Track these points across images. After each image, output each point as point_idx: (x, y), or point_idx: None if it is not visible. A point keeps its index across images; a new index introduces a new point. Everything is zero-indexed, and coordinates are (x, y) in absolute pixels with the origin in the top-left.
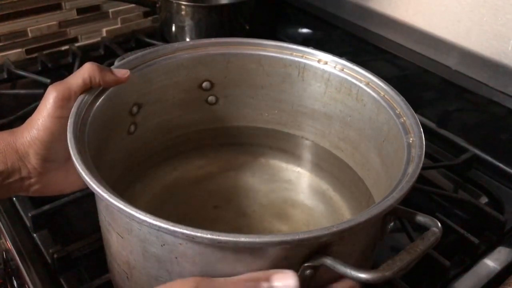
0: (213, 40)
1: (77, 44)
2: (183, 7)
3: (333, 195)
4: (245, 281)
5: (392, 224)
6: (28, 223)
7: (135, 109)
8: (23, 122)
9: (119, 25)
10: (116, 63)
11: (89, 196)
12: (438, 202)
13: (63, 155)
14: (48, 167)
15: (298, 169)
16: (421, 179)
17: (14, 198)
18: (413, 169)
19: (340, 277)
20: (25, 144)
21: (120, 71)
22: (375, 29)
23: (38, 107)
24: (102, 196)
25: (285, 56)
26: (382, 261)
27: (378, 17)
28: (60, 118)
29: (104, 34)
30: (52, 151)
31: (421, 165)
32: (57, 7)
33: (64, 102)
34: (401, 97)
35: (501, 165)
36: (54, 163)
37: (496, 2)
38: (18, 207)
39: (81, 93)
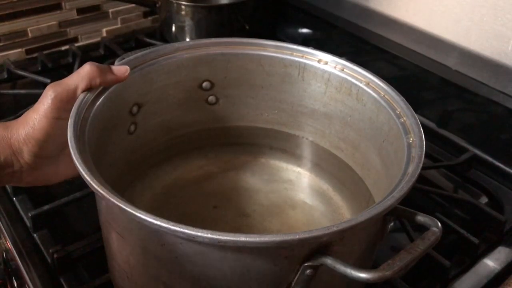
0: (213, 40)
1: (77, 44)
2: (183, 7)
3: (333, 195)
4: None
5: (392, 224)
6: (28, 223)
7: (135, 109)
8: None
9: (119, 25)
10: (116, 63)
11: (89, 196)
12: (438, 202)
13: (55, 152)
14: (40, 163)
15: (298, 169)
16: (421, 179)
17: (14, 198)
18: (413, 169)
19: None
20: (19, 141)
21: (120, 70)
22: (375, 29)
23: (36, 106)
24: (103, 195)
25: (285, 56)
26: (382, 261)
27: (378, 17)
28: (56, 119)
29: (104, 34)
30: (46, 149)
31: (421, 165)
32: (57, 7)
33: (62, 104)
34: (401, 97)
35: (501, 165)
36: (47, 159)
37: (496, 2)
38: (18, 207)
39: (80, 94)
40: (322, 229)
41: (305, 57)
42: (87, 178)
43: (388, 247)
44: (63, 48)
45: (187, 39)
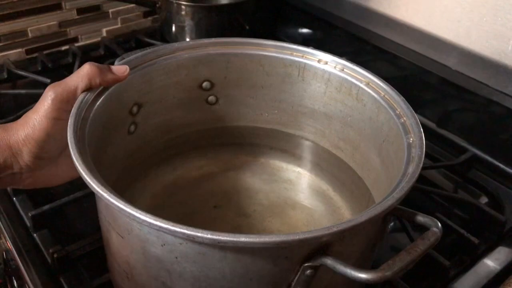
0: (213, 40)
1: (77, 44)
2: (183, 7)
3: (333, 195)
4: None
5: (392, 224)
6: (28, 223)
7: (135, 109)
8: None
9: (119, 25)
10: (116, 63)
11: (89, 196)
12: (438, 202)
13: (55, 153)
14: (40, 164)
15: (298, 169)
16: (421, 179)
17: (14, 198)
18: (413, 169)
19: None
20: (19, 142)
21: (120, 69)
22: (375, 29)
23: (36, 106)
24: (102, 196)
25: (285, 56)
26: (382, 261)
27: (378, 17)
28: (57, 120)
29: (104, 34)
30: (46, 150)
31: (421, 165)
32: (57, 7)
33: (63, 104)
34: (401, 97)
35: (501, 165)
36: (47, 160)
37: (496, 2)
38: (18, 207)
39: (80, 94)
40: (322, 229)
41: (305, 57)
42: (87, 178)
43: (388, 247)
44: (63, 48)
45: (187, 39)
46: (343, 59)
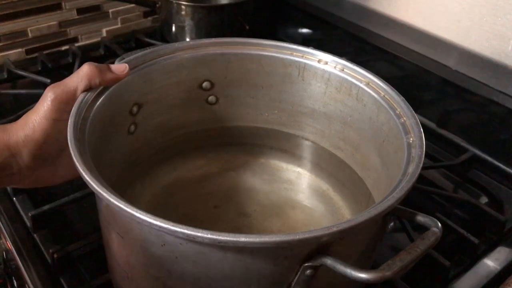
0: (213, 40)
1: (77, 44)
2: (183, 7)
3: (333, 195)
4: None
5: (392, 224)
6: (28, 223)
7: (135, 109)
8: None
9: (119, 25)
10: (116, 63)
11: (89, 196)
12: (438, 202)
13: (55, 154)
14: (40, 164)
15: (298, 169)
16: (421, 179)
17: (14, 198)
18: (413, 169)
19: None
20: (19, 143)
21: (119, 68)
22: (375, 29)
23: (35, 107)
24: (102, 196)
25: (285, 56)
26: (382, 261)
27: (378, 17)
28: (56, 120)
29: (104, 34)
30: (46, 150)
31: (421, 165)
32: (57, 7)
33: (62, 105)
34: (401, 97)
35: (501, 165)
36: (46, 160)
37: (496, 2)
38: (18, 207)
39: (80, 94)
40: (322, 229)
41: (305, 57)
42: (87, 178)
43: (388, 247)
44: (63, 48)
45: (187, 39)
46: (343, 59)
